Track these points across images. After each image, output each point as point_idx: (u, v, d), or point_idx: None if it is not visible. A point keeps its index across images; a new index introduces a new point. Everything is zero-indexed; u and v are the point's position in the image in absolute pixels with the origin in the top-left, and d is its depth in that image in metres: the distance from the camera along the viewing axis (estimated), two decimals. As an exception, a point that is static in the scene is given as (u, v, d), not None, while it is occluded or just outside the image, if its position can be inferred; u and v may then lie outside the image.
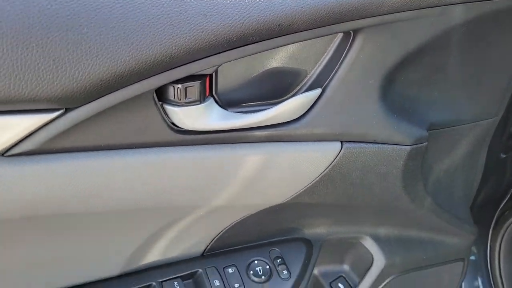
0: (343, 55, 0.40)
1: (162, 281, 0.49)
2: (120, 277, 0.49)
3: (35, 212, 0.37)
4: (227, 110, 0.39)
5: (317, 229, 0.58)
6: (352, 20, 0.36)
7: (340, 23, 0.36)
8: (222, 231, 0.51)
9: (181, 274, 0.50)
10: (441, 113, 0.50)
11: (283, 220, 0.54)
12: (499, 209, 0.87)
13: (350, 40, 0.39)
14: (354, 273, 0.68)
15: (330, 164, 0.44)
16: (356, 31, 0.38)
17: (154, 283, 0.49)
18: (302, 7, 0.34)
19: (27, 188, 0.35)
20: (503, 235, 0.89)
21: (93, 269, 0.48)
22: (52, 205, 0.37)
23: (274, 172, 0.43)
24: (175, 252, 0.51)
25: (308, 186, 0.45)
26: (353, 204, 0.52)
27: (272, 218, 0.52)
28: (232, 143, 0.40)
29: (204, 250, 0.53)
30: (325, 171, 0.44)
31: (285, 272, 0.53)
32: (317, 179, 0.45)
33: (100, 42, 0.30)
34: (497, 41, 0.48)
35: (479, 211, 0.77)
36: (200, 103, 0.37)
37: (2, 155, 0.34)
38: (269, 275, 0.52)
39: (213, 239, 0.52)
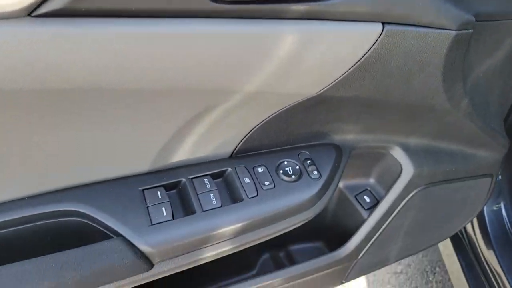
0: None
1: (192, 178, 0.49)
2: (149, 173, 0.49)
3: (62, 83, 0.35)
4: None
5: (346, 136, 0.57)
6: None
7: None
8: (251, 130, 0.49)
9: (210, 172, 0.50)
10: (491, 1, 0.47)
11: (313, 122, 0.52)
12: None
13: None
14: (380, 186, 0.67)
15: (371, 47, 0.41)
16: None
17: (184, 179, 0.48)
18: None
19: (55, 53, 0.33)
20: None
21: (122, 163, 0.47)
22: (81, 75, 0.35)
23: (311, 54, 0.40)
24: (204, 152, 0.50)
25: (345, 74, 0.43)
26: (389, 101, 0.49)
27: (302, 119, 0.51)
28: (270, 18, 0.37)
29: (233, 152, 0.52)
30: (365, 56, 0.42)
31: (315, 172, 0.52)
32: (356, 65, 0.42)
33: None
34: None
35: (510, 127, 0.75)
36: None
37: (29, 15, 0.31)
38: (299, 175, 0.51)
39: (242, 139, 0.50)
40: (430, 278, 1.24)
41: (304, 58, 0.40)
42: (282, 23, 0.38)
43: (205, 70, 0.39)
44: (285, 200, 0.49)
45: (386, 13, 0.40)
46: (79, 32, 0.33)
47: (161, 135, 0.45)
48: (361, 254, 0.67)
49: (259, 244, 0.52)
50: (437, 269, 1.26)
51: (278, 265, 0.76)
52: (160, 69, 0.37)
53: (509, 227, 0.91)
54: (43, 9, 0.31)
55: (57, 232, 0.45)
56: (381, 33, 0.41)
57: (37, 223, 0.44)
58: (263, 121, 0.49)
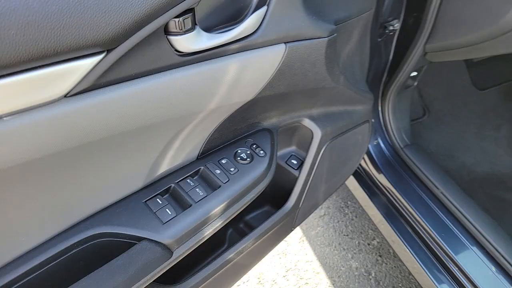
0: None
1: (178, 181, 0.64)
2: (144, 188, 0.63)
3: (87, 140, 0.48)
4: (210, 32, 0.53)
5: (272, 120, 0.78)
6: None
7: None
8: (210, 134, 0.67)
9: (189, 173, 0.66)
10: (340, 11, 0.70)
11: (251, 117, 0.71)
12: (382, 83, 1.16)
13: None
14: (301, 150, 0.90)
15: (281, 60, 0.62)
16: None
17: (172, 185, 0.64)
18: None
19: (86, 119, 0.46)
20: (388, 102, 1.20)
21: (124, 187, 0.60)
22: (102, 129, 0.48)
23: (246, 73, 0.59)
24: (179, 160, 0.66)
25: (268, 81, 0.63)
26: (297, 90, 0.71)
27: (243, 116, 0.69)
28: (217, 57, 0.55)
29: (199, 154, 0.69)
30: (279, 66, 0.62)
31: (261, 152, 0.71)
32: (274, 73, 0.62)
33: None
34: None
35: (370, 85, 1.04)
36: (193, 30, 0.50)
37: (65, 96, 0.44)
38: (251, 157, 0.70)
39: (204, 143, 0.67)
40: (346, 211, 1.56)
41: (242, 77, 0.59)
42: (226, 58, 0.56)
43: (179, 103, 0.55)
44: (248, 178, 0.68)
45: (286, 36, 0.61)
46: (102, 99, 0.46)
47: (148, 159, 0.60)
48: (300, 204, 0.89)
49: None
50: (349, 202, 1.59)
51: (242, 234, 0.94)
52: (155, 109, 0.52)
53: (387, 153, 1.23)
54: (75, 90, 0.44)
55: (91, 255, 0.57)
56: (286, 50, 0.62)
57: (72, 252, 0.56)
58: (218, 126, 0.66)
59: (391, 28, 1.03)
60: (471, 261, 0.97)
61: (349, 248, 1.45)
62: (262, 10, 0.56)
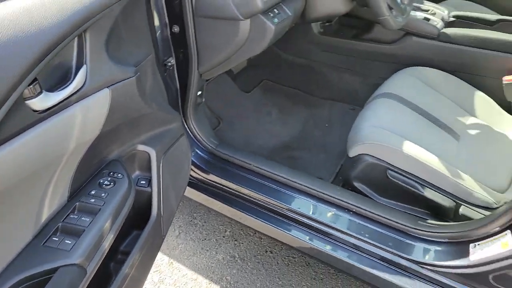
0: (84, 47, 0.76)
1: (63, 220, 0.76)
2: (33, 239, 0.72)
3: None
4: (53, 92, 0.69)
5: (116, 152, 0.96)
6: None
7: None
8: (72, 175, 0.81)
9: (69, 212, 0.78)
10: (134, 57, 0.95)
11: (100, 153, 0.88)
12: (179, 105, 1.46)
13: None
14: (144, 171, 1.10)
15: (109, 100, 0.82)
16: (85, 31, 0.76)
17: (60, 224, 0.75)
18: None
19: None
20: (190, 119, 1.50)
21: (15, 242, 0.69)
22: None
23: (88, 116, 0.77)
24: (55, 205, 0.77)
25: (106, 118, 0.82)
26: (127, 121, 0.92)
27: (93, 154, 0.86)
28: (64, 108, 0.71)
29: (68, 196, 0.81)
30: (109, 105, 0.82)
31: (119, 175, 0.89)
32: (108, 111, 0.82)
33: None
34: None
35: (174, 107, 1.32)
36: (42, 93, 0.66)
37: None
38: (114, 181, 0.87)
39: (70, 184, 0.81)
40: (195, 222, 1.80)
41: (86, 119, 0.77)
42: (70, 108, 0.73)
43: (45, 151, 0.69)
44: (119, 195, 0.85)
45: (106, 82, 0.81)
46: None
47: (31, 211, 0.70)
48: (162, 212, 1.09)
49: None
50: (195, 214, 1.84)
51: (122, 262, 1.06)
52: (23, 166, 0.65)
53: (206, 157, 1.53)
54: None
55: None
56: (110, 92, 0.82)
57: None
58: (76, 167, 0.81)
59: (169, 64, 1.34)
60: (296, 202, 1.35)
61: (211, 248, 1.69)
62: (84, 68, 0.76)
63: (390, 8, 1.28)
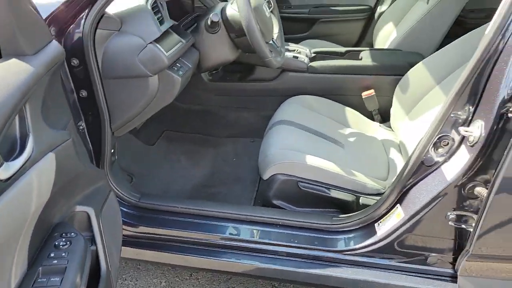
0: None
1: (32, 285, 0.76)
2: None
3: None
4: (8, 162, 0.73)
5: (59, 214, 0.97)
6: None
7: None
8: (30, 240, 0.82)
9: (35, 278, 0.79)
10: (61, 122, 1.00)
11: (48, 217, 0.90)
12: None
13: None
14: (84, 231, 1.11)
15: (56, 162, 0.86)
16: None
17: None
18: None
19: None
20: (108, 174, 1.52)
21: None
22: None
23: (41, 179, 0.81)
24: (20, 275, 0.78)
25: (54, 181, 0.86)
26: (68, 181, 0.95)
27: (44, 218, 0.87)
28: (22, 175, 0.75)
29: (28, 264, 0.81)
30: (56, 166, 0.86)
31: (72, 234, 0.91)
32: (55, 173, 0.86)
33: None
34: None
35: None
36: (3, 164, 0.69)
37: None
38: (69, 240, 0.89)
39: (28, 249, 0.81)
40: (127, 283, 1.77)
41: (40, 182, 0.80)
42: (27, 173, 0.76)
43: (14, 216, 0.71)
44: (79, 250, 0.88)
45: (50, 146, 0.86)
46: None
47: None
48: (110, 268, 1.11)
49: None
50: (124, 276, 1.80)
51: None
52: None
53: (132, 212, 1.56)
54: None
55: None
56: (55, 155, 0.87)
57: None
58: (33, 231, 0.82)
59: (81, 127, 1.38)
60: (228, 230, 1.46)
61: (151, 302, 1.67)
62: (30, 138, 0.80)
63: (270, 51, 1.56)
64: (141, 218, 1.53)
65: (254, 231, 1.47)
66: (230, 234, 1.46)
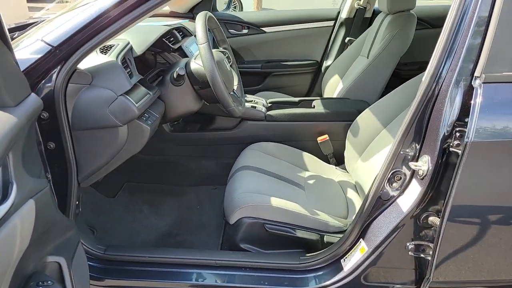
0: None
1: None
2: None
3: None
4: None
5: (32, 264, 0.94)
6: None
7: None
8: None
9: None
10: (36, 171, 1.01)
11: (26, 263, 0.88)
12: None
13: None
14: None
15: (35, 209, 0.86)
16: None
17: None
18: None
19: None
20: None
21: None
22: None
23: (25, 225, 0.80)
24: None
25: (34, 225, 0.85)
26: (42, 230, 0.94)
27: (22, 265, 0.85)
28: (6, 221, 0.75)
29: None
30: (36, 213, 0.86)
31: (49, 282, 0.89)
32: (35, 220, 0.86)
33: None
34: None
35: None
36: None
37: None
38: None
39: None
40: None
41: (22, 229, 0.80)
42: (11, 219, 0.76)
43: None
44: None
45: (32, 193, 0.86)
46: None
47: None
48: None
49: None
50: None
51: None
52: None
53: (97, 264, 1.51)
54: None
55: None
56: (34, 202, 0.87)
57: None
58: (11, 280, 0.80)
59: (48, 178, 1.36)
60: (197, 276, 1.46)
61: None
62: (14, 186, 0.81)
63: (233, 101, 1.66)
64: (106, 271, 1.49)
65: (224, 275, 1.48)
66: (201, 280, 1.46)
